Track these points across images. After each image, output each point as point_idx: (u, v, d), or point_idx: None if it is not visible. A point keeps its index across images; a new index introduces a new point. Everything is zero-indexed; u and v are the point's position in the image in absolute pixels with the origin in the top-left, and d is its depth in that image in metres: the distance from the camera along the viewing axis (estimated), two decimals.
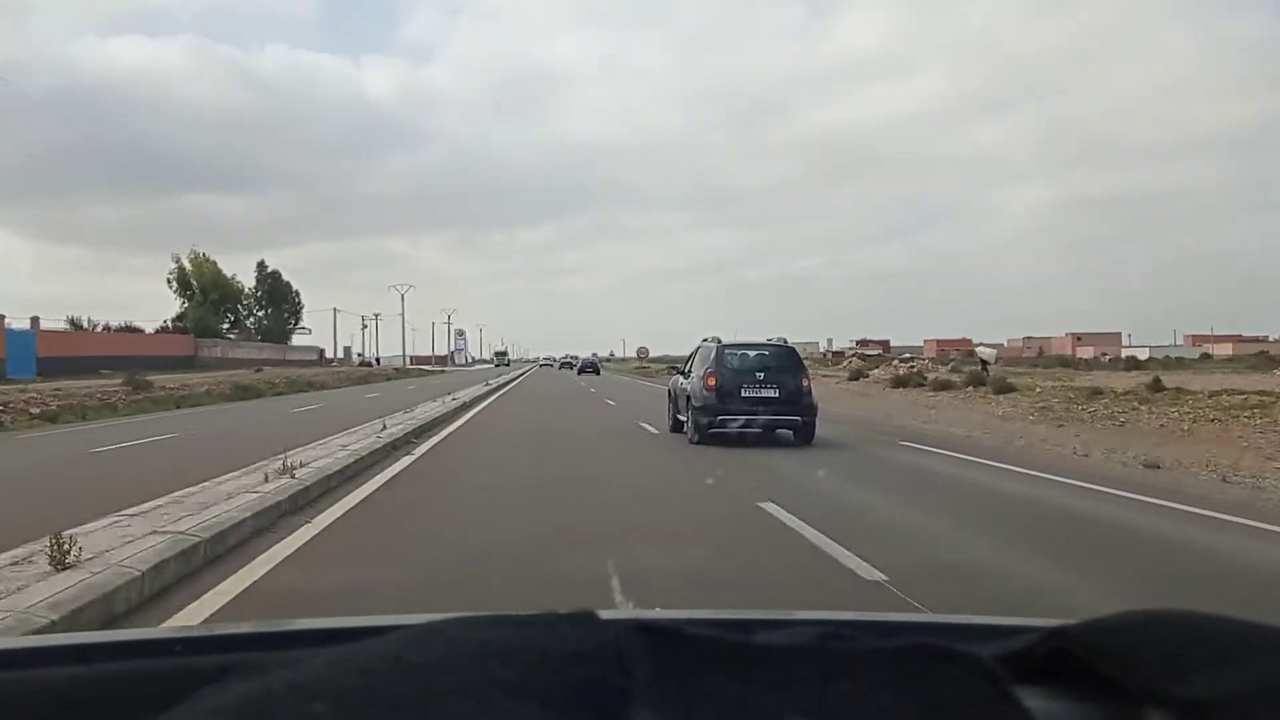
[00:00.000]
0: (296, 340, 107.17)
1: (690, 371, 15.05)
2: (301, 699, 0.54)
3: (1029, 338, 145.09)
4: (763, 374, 13.97)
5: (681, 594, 5.05)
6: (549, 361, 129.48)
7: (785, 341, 15.13)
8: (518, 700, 0.54)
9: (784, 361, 14.36)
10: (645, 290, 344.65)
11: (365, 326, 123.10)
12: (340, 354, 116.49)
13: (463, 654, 0.59)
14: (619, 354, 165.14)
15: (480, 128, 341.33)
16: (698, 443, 13.85)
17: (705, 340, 15.37)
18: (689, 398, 14.41)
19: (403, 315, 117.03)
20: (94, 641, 1.01)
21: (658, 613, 1.09)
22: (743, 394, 13.78)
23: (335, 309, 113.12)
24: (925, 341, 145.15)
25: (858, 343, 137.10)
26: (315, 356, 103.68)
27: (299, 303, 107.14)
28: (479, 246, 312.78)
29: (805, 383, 14.04)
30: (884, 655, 0.61)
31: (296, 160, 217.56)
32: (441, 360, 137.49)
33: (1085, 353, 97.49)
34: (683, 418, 15.07)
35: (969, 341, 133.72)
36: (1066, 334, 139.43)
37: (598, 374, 72.08)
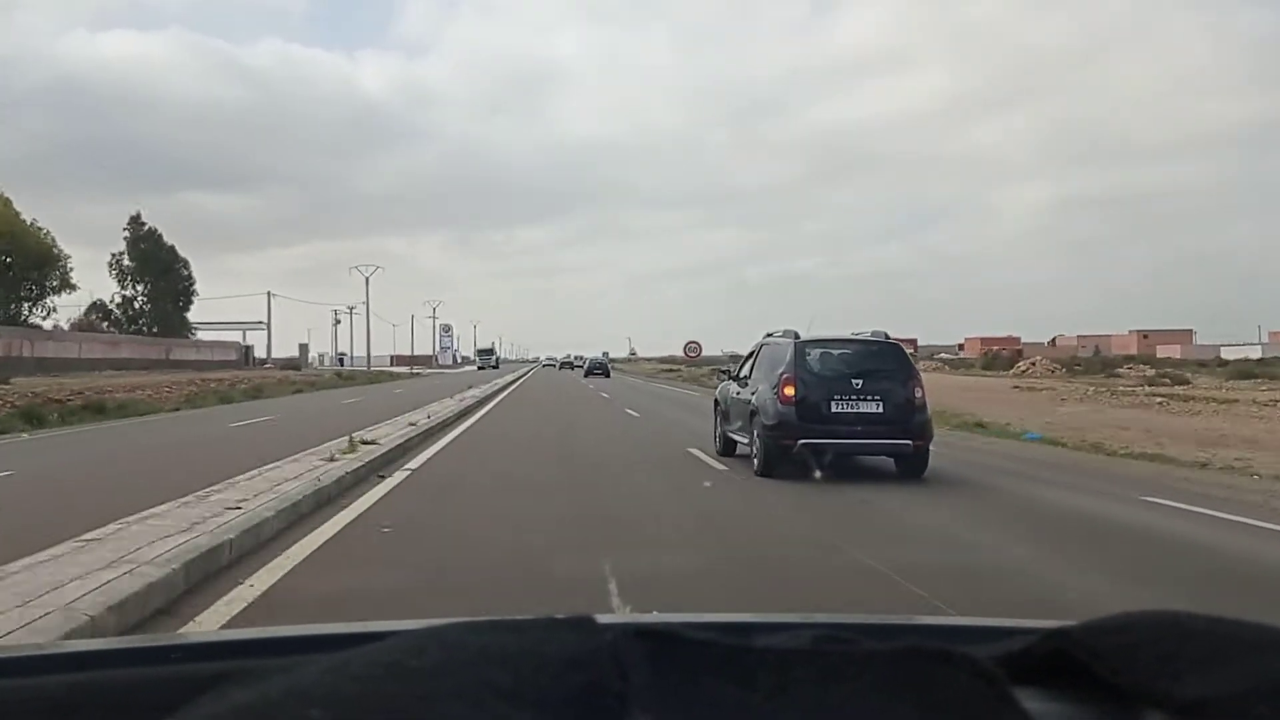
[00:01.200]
0: (212, 334, 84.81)
1: (748, 377, 11.83)
2: (299, 705, 0.54)
3: (1083, 336, 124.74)
4: (859, 381, 10.52)
5: None
6: (551, 362, 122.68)
7: (886, 336, 11.48)
8: (514, 705, 0.54)
9: (886, 363, 10.89)
10: (647, 289, 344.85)
11: (339, 321, 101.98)
12: (296, 352, 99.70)
13: (459, 659, 0.59)
14: (624, 353, 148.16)
15: (478, 125, 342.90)
16: (764, 475, 10.45)
17: (771, 335, 11.90)
18: (753, 413, 10.99)
19: (367, 304, 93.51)
20: (91, 649, 1.01)
21: (655, 616, 1.10)
22: (832, 408, 10.38)
23: (269, 292, 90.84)
24: (967, 340, 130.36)
25: None
26: (235, 356, 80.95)
27: (190, 278, 76.63)
28: (478, 246, 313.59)
29: (918, 393, 10.62)
30: (882, 657, 0.61)
31: (292, 158, 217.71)
32: (424, 360, 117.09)
33: (1170, 351, 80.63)
34: (738, 438, 11.91)
35: (1016, 340, 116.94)
36: (1130, 331, 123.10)
37: (607, 376, 62.65)
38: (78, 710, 0.73)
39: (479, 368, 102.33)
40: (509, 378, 55.34)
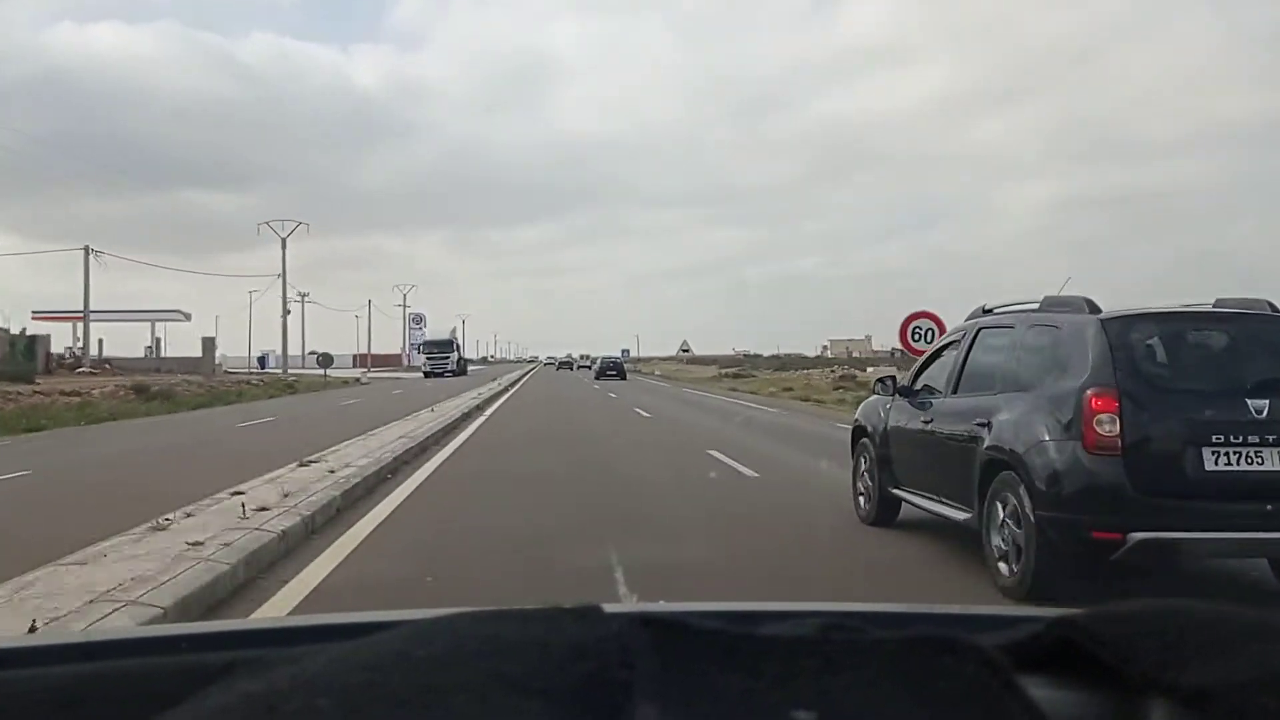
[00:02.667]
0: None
1: (940, 391, 6.71)
2: (306, 695, 0.54)
3: None
4: (1261, 403, 4.97)
5: None
6: (551, 361, 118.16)
7: (1272, 307, 5.61)
8: (521, 695, 0.54)
9: None
10: (647, 289, 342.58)
11: (288, 312, 70.15)
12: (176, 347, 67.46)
13: (466, 649, 0.59)
14: (632, 351, 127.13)
15: (476, 123, 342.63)
16: (1034, 594, 5.05)
17: (1009, 307, 6.53)
18: (992, 465, 5.59)
19: (284, 279, 67.16)
20: (99, 639, 1.02)
21: (661, 605, 1.10)
22: (1205, 463, 4.94)
23: (88, 248, 55.48)
24: None
25: None
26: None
27: None
28: (477, 245, 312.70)
29: None
30: (888, 646, 0.61)
31: (288, 155, 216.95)
32: (392, 360, 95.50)
33: None
34: (911, 494, 6.93)
35: None
36: None
37: (623, 378, 54.54)
38: (85, 701, 0.73)
39: (426, 374, 63.34)
40: (468, 400, 25.15)
